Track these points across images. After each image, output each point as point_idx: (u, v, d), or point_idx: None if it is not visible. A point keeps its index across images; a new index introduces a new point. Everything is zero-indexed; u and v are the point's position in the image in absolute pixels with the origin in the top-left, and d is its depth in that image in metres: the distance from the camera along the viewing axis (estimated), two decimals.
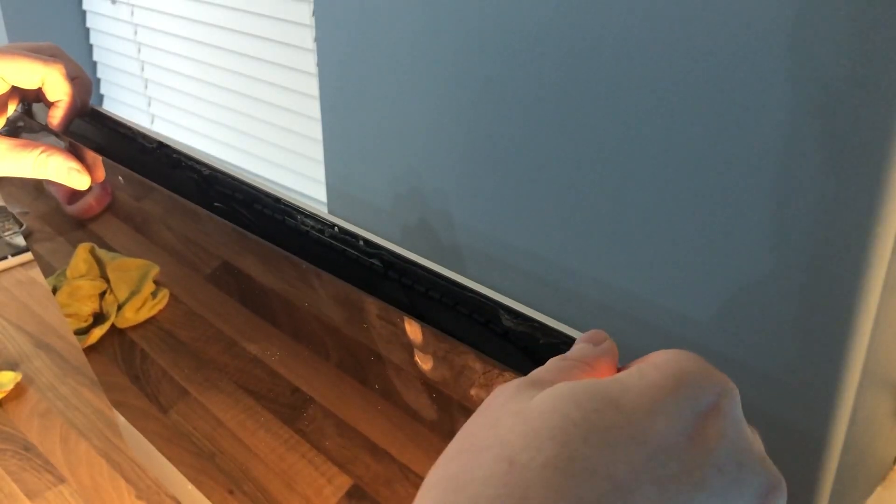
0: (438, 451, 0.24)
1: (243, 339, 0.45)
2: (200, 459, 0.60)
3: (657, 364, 0.24)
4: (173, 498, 0.75)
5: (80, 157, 0.49)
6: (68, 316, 0.99)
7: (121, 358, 0.73)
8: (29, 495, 0.76)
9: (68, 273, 1.06)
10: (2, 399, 0.88)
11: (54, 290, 1.02)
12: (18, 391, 0.90)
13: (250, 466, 0.52)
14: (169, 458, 0.68)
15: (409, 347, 0.33)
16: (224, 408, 0.52)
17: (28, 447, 0.82)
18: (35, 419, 0.86)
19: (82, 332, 0.97)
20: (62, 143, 0.50)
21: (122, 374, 0.72)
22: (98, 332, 0.95)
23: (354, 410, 0.39)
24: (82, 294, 1.02)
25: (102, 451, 0.82)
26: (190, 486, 0.71)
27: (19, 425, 0.85)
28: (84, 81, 0.53)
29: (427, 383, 0.34)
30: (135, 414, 0.71)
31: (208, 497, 0.63)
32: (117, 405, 0.76)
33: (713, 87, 0.50)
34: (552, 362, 0.26)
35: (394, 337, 0.35)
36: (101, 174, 0.49)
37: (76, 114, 0.52)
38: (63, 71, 0.50)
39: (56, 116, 0.50)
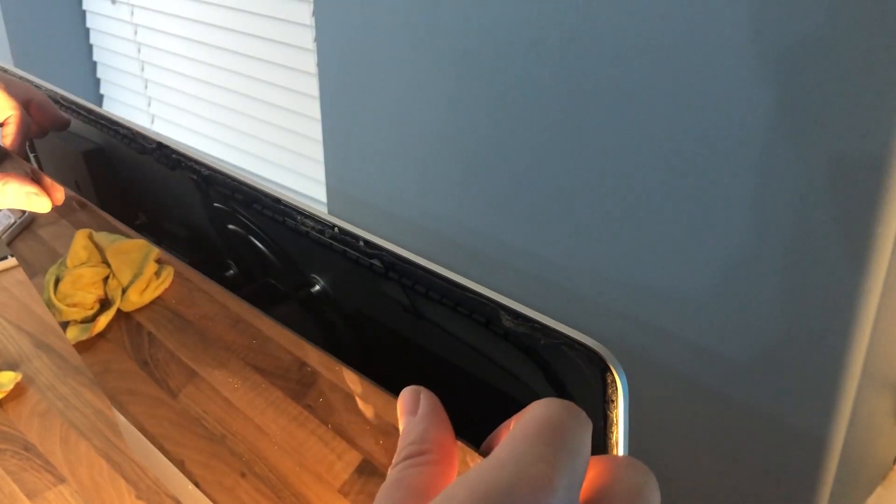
0: None
1: (248, 314, 0.45)
2: (212, 443, 0.61)
3: (469, 484, 0.21)
4: (173, 498, 0.75)
5: (37, 180, 0.49)
6: (73, 306, 0.99)
7: (128, 343, 0.73)
8: (29, 495, 0.76)
9: (68, 262, 1.06)
10: (2, 399, 0.88)
11: (56, 281, 1.02)
12: (18, 391, 0.90)
13: (261, 446, 0.52)
14: (182, 445, 0.68)
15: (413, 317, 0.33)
16: (232, 387, 0.52)
17: (28, 447, 0.82)
18: (35, 419, 0.86)
19: (89, 321, 0.97)
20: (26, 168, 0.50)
21: (131, 360, 0.72)
22: (104, 320, 0.95)
23: (361, 384, 0.39)
24: (85, 282, 1.02)
25: (102, 451, 0.82)
26: (190, 486, 0.71)
27: (19, 425, 0.85)
28: (40, 101, 0.53)
29: (433, 354, 0.34)
30: (146, 401, 0.72)
31: (221, 482, 0.63)
32: (128, 394, 0.76)
33: (699, 87, 0.50)
34: (390, 476, 0.24)
35: (398, 309, 0.35)
36: (61, 196, 0.50)
37: (29, 131, 0.52)
38: (1, 86, 0.49)
39: (7, 134, 0.50)
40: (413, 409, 0.27)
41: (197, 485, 0.69)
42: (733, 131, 0.50)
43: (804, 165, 0.47)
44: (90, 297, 1.01)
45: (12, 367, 0.94)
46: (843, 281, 0.48)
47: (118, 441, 0.82)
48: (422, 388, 0.28)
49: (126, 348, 0.74)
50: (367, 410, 0.39)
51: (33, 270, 0.94)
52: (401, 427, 0.27)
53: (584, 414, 0.23)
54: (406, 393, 0.27)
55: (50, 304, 1.02)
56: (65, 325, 0.98)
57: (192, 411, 0.60)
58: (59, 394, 0.89)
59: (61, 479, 0.78)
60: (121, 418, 0.80)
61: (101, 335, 0.89)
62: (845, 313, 0.48)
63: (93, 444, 0.82)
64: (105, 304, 0.99)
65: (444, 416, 0.27)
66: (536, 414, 0.23)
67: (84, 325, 0.96)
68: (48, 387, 0.91)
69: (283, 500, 0.53)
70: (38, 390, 0.90)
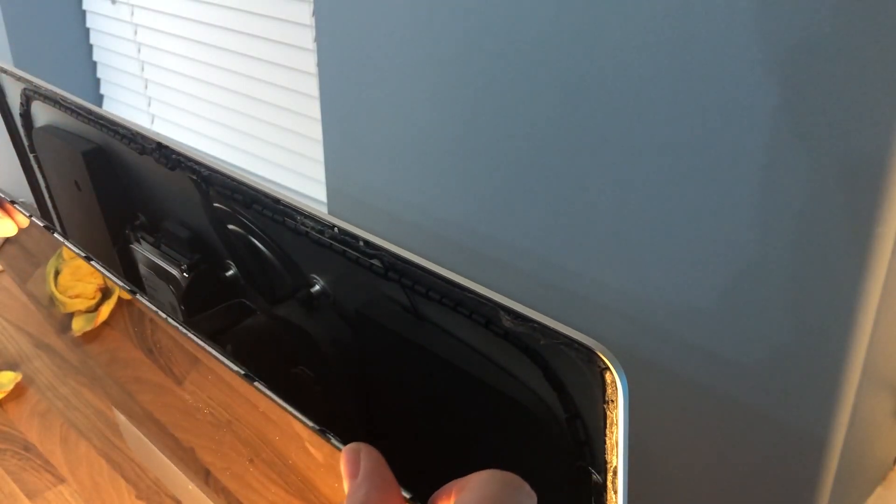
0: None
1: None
2: (219, 430, 0.62)
3: None
4: (173, 498, 0.75)
5: None
6: (75, 297, 1.00)
7: (133, 331, 0.75)
8: (29, 495, 0.77)
9: (65, 255, 1.07)
10: (2, 399, 0.89)
11: (56, 274, 1.03)
12: (18, 391, 0.90)
13: (266, 431, 0.53)
14: (191, 433, 0.69)
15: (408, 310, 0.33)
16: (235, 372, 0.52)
17: (28, 447, 0.82)
18: (35, 419, 0.86)
19: (92, 311, 0.97)
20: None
21: (136, 349, 0.73)
22: (106, 309, 0.96)
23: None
24: (84, 272, 1.03)
25: (102, 451, 0.82)
26: (191, 486, 0.71)
27: (19, 425, 0.85)
28: None
29: (432, 353, 0.34)
30: (154, 390, 0.73)
31: (231, 468, 0.65)
32: (136, 382, 0.78)
33: (705, 86, 0.50)
34: None
35: (398, 309, 0.35)
36: (24, 220, 0.51)
37: None
38: None
39: None
40: (354, 472, 0.26)
41: (208, 473, 0.70)
42: (737, 131, 0.50)
43: (809, 165, 0.47)
44: (90, 287, 1.01)
45: (12, 367, 0.94)
46: (843, 281, 0.48)
47: (118, 441, 0.82)
48: (362, 447, 0.27)
49: (131, 337, 0.75)
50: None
51: (36, 261, 0.95)
52: (345, 489, 0.26)
53: (526, 489, 0.23)
54: (346, 453, 0.27)
55: (52, 298, 1.02)
56: (69, 317, 0.99)
57: (198, 398, 0.62)
58: (59, 394, 0.89)
59: (61, 479, 0.78)
60: (121, 418, 0.80)
61: (105, 324, 0.90)
62: (845, 313, 0.48)
63: (93, 444, 0.82)
64: (106, 293, 1.00)
65: (385, 473, 0.26)
66: (473, 497, 0.22)
67: (88, 315, 0.97)
68: (48, 387, 0.91)
69: (290, 486, 0.55)
70: (38, 390, 0.90)
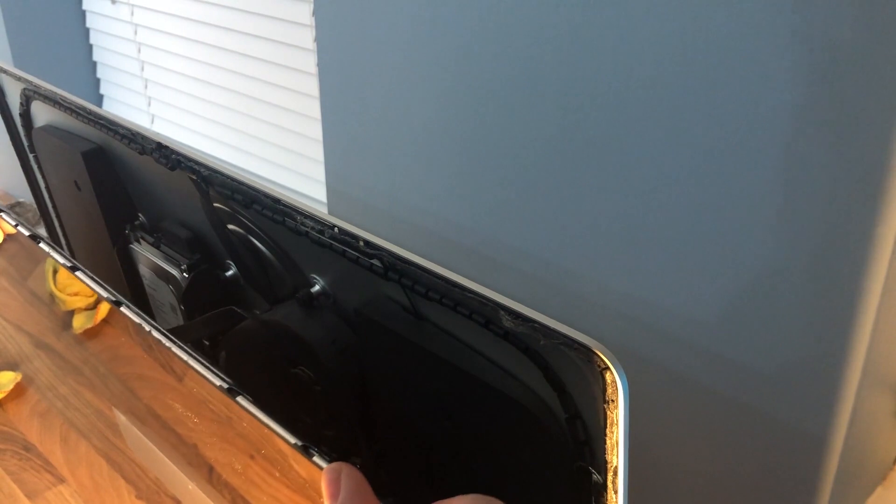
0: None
1: None
2: (220, 426, 0.62)
3: None
4: (173, 498, 0.75)
5: None
6: (74, 295, 1.00)
7: (132, 328, 0.76)
8: (29, 495, 0.77)
9: None
10: (2, 399, 0.89)
11: (55, 271, 1.03)
12: (18, 391, 0.90)
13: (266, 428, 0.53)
14: (192, 429, 0.70)
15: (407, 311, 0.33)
16: None
17: (28, 447, 0.82)
18: (35, 419, 0.86)
19: (91, 308, 0.98)
20: None
21: (136, 346, 0.74)
22: (105, 306, 0.96)
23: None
24: None
25: (102, 451, 0.82)
26: (191, 486, 0.71)
27: (19, 425, 0.85)
28: None
29: (432, 354, 0.34)
30: (154, 386, 0.74)
31: (232, 465, 0.65)
32: (137, 379, 0.79)
33: (715, 85, 0.50)
34: None
35: (398, 309, 0.35)
36: (9, 227, 0.51)
37: None
38: None
39: None
40: (335, 492, 0.26)
41: (211, 469, 0.70)
42: (739, 130, 0.50)
43: (804, 165, 0.47)
44: None
45: (12, 367, 0.94)
46: (843, 281, 0.48)
47: (118, 441, 0.82)
48: (343, 467, 0.26)
49: (130, 333, 0.76)
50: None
51: (36, 259, 0.95)
52: None
53: None
54: (327, 474, 0.26)
55: (52, 296, 1.03)
56: (70, 315, 1.00)
57: (198, 394, 0.62)
58: (59, 394, 0.89)
59: (61, 479, 0.78)
60: (121, 418, 0.80)
61: (105, 322, 0.90)
62: (845, 313, 0.48)
63: (93, 444, 0.82)
64: None
65: (367, 495, 0.26)
66: None
67: (88, 313, 0.98)
68: (48, 387, 0.91)
69: (292, 481, 0.55)
70: (38, 390, 0.90)
